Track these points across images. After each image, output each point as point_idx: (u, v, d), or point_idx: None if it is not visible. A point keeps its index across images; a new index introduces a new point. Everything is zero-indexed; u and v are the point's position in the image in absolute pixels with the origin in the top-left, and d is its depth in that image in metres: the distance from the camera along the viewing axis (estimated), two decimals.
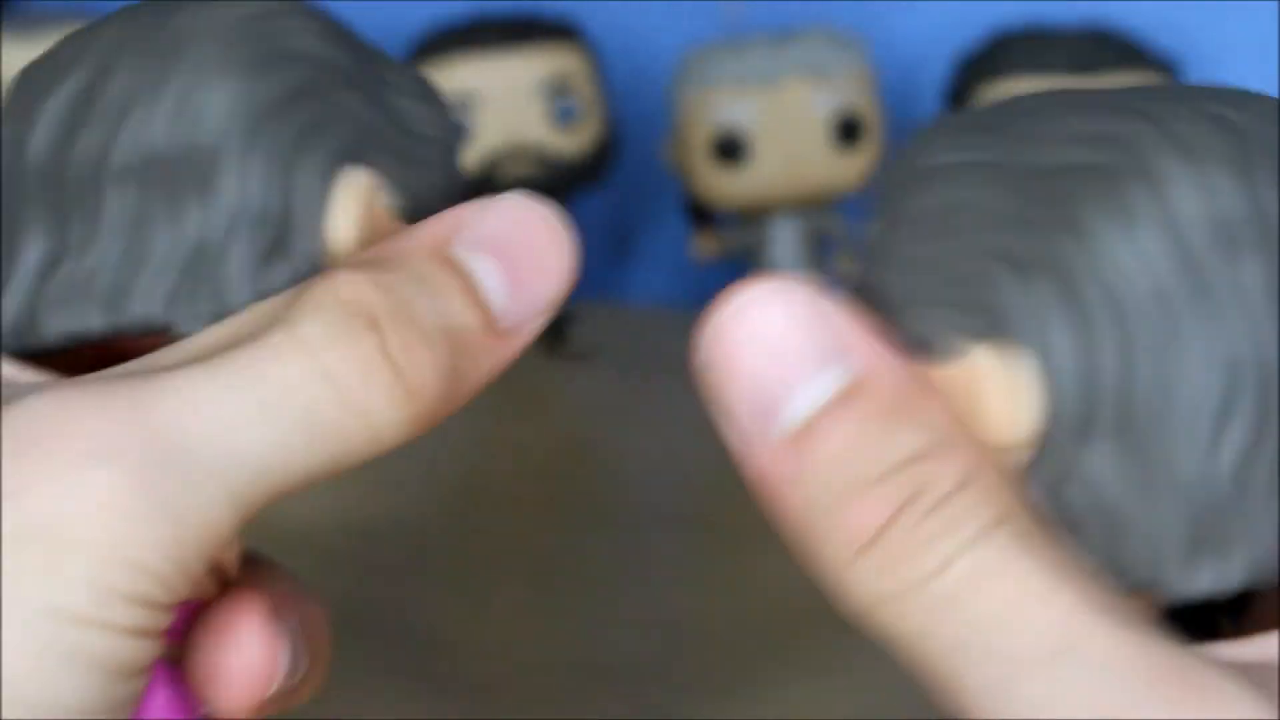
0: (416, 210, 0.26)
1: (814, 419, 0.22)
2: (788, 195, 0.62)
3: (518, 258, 0.24)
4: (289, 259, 0.25)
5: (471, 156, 0.63)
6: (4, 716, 0.19)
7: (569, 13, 0.67)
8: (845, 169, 0.61)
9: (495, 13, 0.65)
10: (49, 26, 0.75)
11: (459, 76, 0.63)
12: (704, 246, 0.64)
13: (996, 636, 0.20)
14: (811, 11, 0.65)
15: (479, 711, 0.43)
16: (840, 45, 0.61)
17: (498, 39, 0.63)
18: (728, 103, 0.61)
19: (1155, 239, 0.21)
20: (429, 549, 0.52)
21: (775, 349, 0.23)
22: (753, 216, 0.63)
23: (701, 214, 0.63)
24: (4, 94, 0.30)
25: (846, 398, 0.22)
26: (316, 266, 0.24)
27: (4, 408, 0.21)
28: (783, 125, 0.61)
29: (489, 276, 0.23)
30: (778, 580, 0.48)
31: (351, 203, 0.25)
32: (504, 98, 0.63)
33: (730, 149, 0.60)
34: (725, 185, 0.61)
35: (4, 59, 0.72)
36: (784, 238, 0.63)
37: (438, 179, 0.26)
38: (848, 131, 0.61)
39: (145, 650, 0.21)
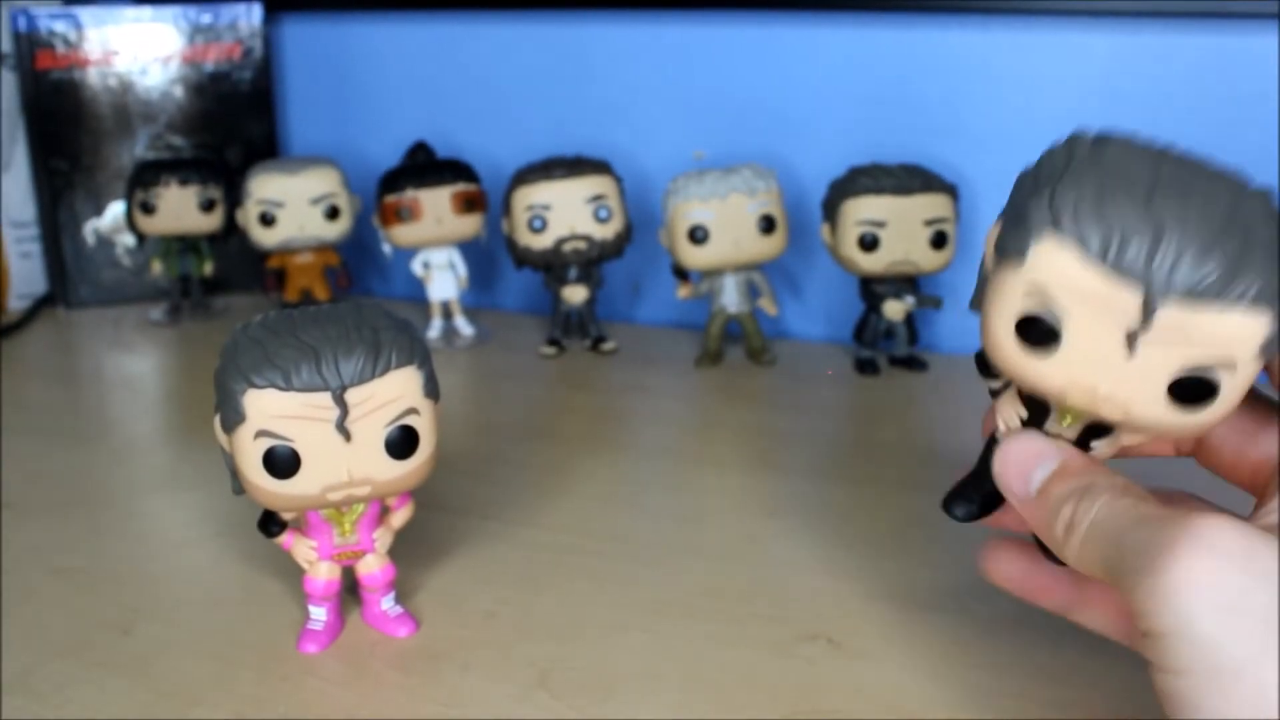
0: None
1: (1045, 483, 0.27)
2: (731, 263, 0.64)
3: None
4: None
5: (548, 240, 0.65)
6: None
7: (604, 155, 0.69)
8: (765, 248, 0.63)
9: (561, 156, 0.67)
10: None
11: (541, 193, 0.65)
12: (683, 292, 0.66)
13: (1115, 534, 0.24)
14: (744, 154, 0.67)
15: (553, 566, 0.43)
16: (762, 174, 0.63)
17: (563, 171, 0.65)
18: (696, 210, 0.62)
19: None
20: (516, 468, 0.51)
21: (1025, 458, 0.28)
22: (711, 274, 0.65)
23: (681, 273, 0.65)
24: None
25: (1058, 474, 0.27)
26: None
27: None
28: (729, 222, 0.63)
29: None
30: (718, 486, 0.50)
31: None
32: (567, 205, 0.65)
33: (698, 236, 0.63)
34: (695, 257, 0.63)
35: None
36: (729, 287, 0.65)
37: None
38: (767, 226, 0.63)
39: None
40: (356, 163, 0.78)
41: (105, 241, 0.82)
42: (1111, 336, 0.25)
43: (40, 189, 0.81)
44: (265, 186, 0.71)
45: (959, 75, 0.67)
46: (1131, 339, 0.25)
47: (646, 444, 0.55)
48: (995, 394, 0.30)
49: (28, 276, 0.83)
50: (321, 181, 0.71)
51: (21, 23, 0.78)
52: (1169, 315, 0.24)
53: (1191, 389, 0.25)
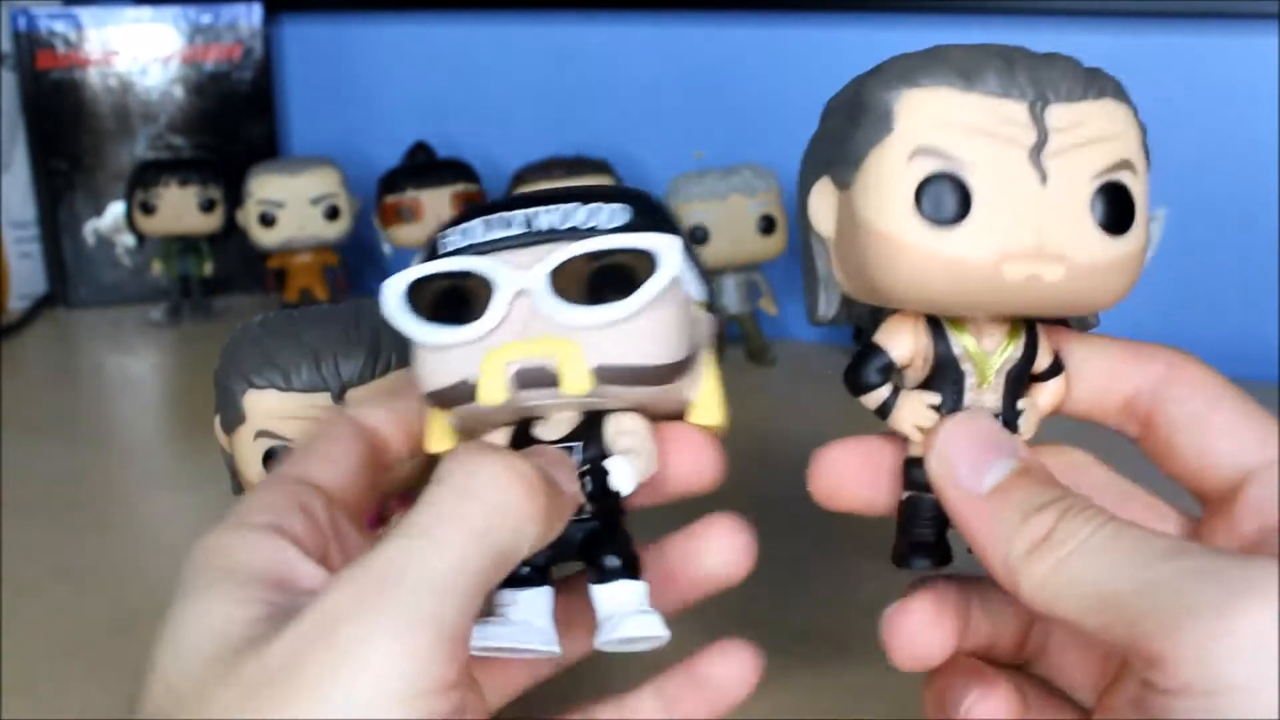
0: None
1: (1005, 482, 0.23)
2: (731, 263, 0.65)
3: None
4: None
5: None
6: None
7: (605, 155, 0.70)
8: (765, 248, 0.65)
9: (561, 156, 0.69)
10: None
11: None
12: None
13: (1131, 567, 0.21)
14: (744, 154, 0.67)
15: None
16: (762, 174, 0.64)
17: (563, 170, 0.66)
18: (696, 210, 0.63)
19: None
20: None
21: (983, 443, 0.24)
22: (711, 275, 0.69)
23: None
24: None
25: (1021, 472, 0.23)
26: None
27: (307, 611, 0.20)
28: (729, 223, 0.64)
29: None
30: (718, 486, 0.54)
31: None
32: None
33: (698, 236, 0.63)
34: None
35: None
36: (730, 288, 0.66)
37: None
38: (767, 226, 0.64)
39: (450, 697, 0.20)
40: (356, 163, 0.78)
41: (105, 241, 0.82)
42: (1017, 164, 0.23)
43: (40, 189, 0.81)
44: (265, 186, 0.71)
45: None
46: (1037, 154, 0.22)
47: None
48: (885, 410, 0.26)
49: (28, 276, 0.83)
50: (321, 181, 0.71)
51: (21, 23, 0.78)
52: (1057, 114, 0.23)
53: (1111, 206, 0.23)
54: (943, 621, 0.26)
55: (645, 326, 0.24)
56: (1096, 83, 0.23)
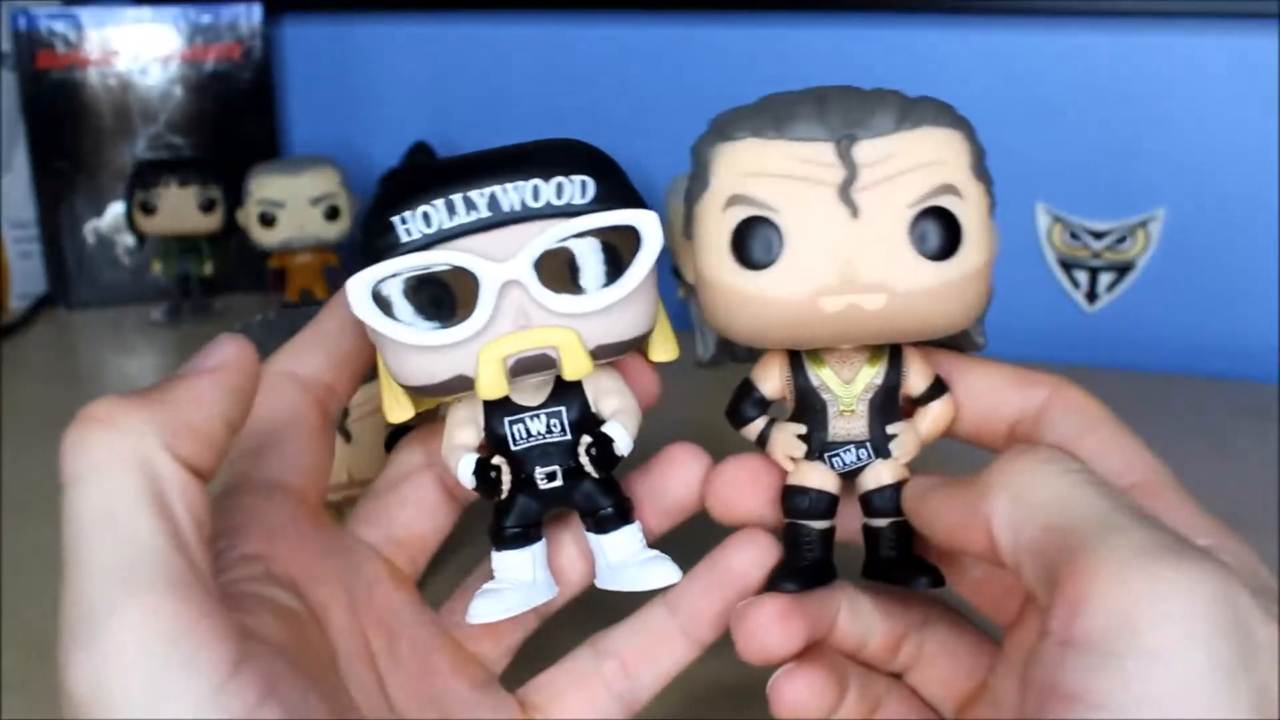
0: None
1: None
2: None
3: None
4: None
5: None
6: None
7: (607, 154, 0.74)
8: None
9: None
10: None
11: None
12: (683, 292, 0.67)
13: (1092, 497, 0.20)
14: None
15: None
16: None
17: None
18: None
19: None
20: None
21: (929, 483, 0.25)
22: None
23: (680, 274, 0.66)
24: None
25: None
26: None
27: None
28: None
29: None
30: None
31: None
32: None
33: None
34: None
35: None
36: None
37: None
38: None
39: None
40: (356, 163, 0.78)
41: (105, 241, 0.82)
42: (825, 203, 0.24)
43: (40, 189, 0.81)
44: (265, 186, 0.71)
45: (965, 76, 0.67)
46: (846, 190, 0.23)
47: (647, 444, 0.56)
48: (762, 441, 0.27)
49: (28, 276, 0.83)
50: (321, 181, 0.71)
51: (21, 23, 0.78)
52: (866, 149, 0.24)
53: (934, 231, 0.23)
54: (791, 620, 0.26)
55: (633, 302, 0.24)
56: (914, 113, 0.24)
